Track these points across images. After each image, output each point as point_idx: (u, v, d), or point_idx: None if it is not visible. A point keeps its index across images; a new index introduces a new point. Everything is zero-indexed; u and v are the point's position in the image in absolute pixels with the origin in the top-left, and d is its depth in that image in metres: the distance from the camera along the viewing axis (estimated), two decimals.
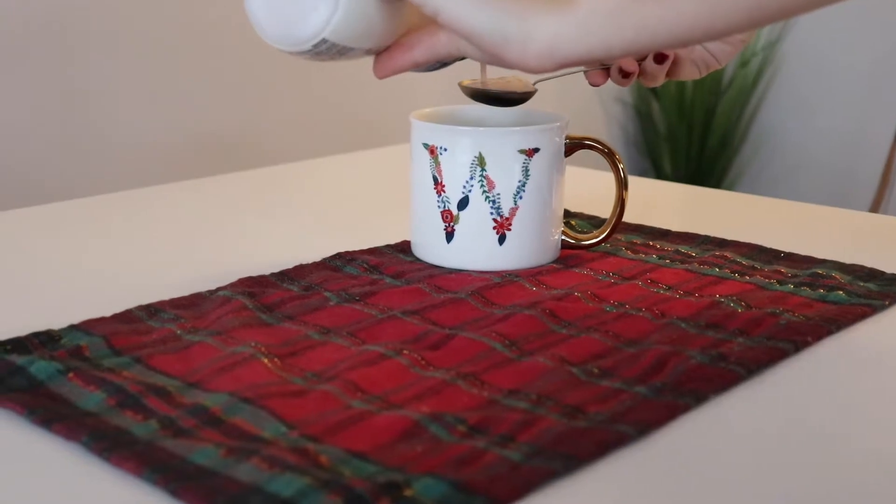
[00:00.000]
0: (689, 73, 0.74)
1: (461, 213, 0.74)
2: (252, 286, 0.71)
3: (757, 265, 0.77)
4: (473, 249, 0.75)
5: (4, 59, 1.65)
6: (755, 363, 0.59)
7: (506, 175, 0.74)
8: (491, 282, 0.72)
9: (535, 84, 0.76)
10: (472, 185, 0.74)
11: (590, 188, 0.97)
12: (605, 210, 0.85)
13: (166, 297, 0.70)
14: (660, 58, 0.72)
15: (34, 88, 1.69)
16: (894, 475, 0.48)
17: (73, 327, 0.63)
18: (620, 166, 0.77)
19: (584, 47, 0.57)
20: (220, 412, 0.52)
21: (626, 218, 0.88)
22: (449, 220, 0.75)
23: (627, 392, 0.55)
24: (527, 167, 0.74)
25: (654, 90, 2.74)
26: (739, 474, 0.48)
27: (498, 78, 0.75)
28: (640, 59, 0.73)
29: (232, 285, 0.71)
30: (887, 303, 0.69)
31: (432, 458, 0.48)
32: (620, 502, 0.46)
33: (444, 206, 0.75)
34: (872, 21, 2.59)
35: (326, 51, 0.62)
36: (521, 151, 0.73)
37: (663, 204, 0.97)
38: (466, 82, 0.76)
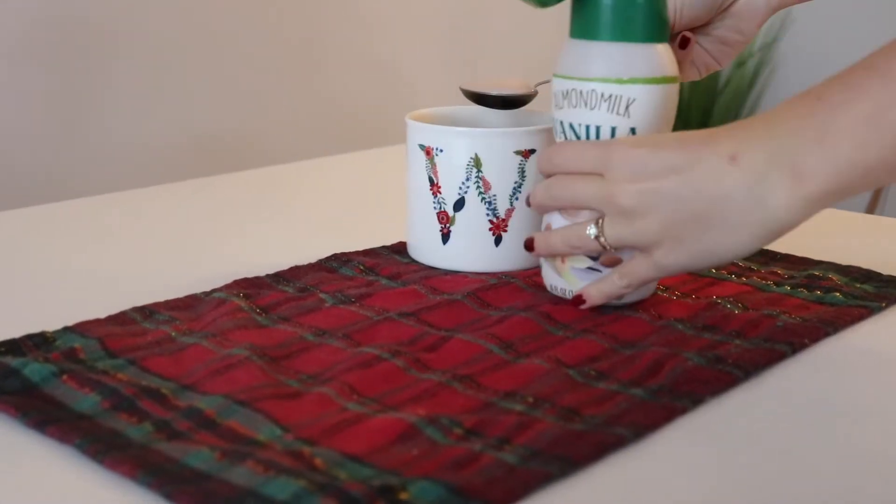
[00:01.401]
0: (688, 76, 0.74)
1: (457, 214, 0.74)
2: (247, 287, 0.71)
3: (754, 266, 0.77)
4: (469, 251, 0.75)
5: (3, 60, 1.64)
6: (752, 365, 0.59)
7: (502, 176, 0.73)
8: (487, 283, 0.72)
9: (535, 87, 0.76)
10: (468, 187, 0.73)
11: None
12: None
13: (161, 298, 0.70)
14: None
15: (32, 88, 1.68)
16: (893, 476, 0.48)
17: (67, 329, 0.63)
18: None
19: (809, 215, 0.58)
20: (214, 415, 0.52)
21: None
22: (445, 221, 0.75)
23: (624, 394, 0.55)
24: (523, 168, 0.74)
25: None
26: (736, 477, 0.48)
27: (496, 79, 0.75)
28: None
29: (227, 287, 0.71)
30: (884, 304, 0.69)
31: (428, 460, 0.48)
32: None
33: (440, 208, 0.75)
34: (869, 22, 2.59)
35: None
36: (517, 152, 0.73)
37: None
38: (467, 85, 0.75)
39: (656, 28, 0.66)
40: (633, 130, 0.65)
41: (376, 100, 2.16)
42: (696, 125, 2.72)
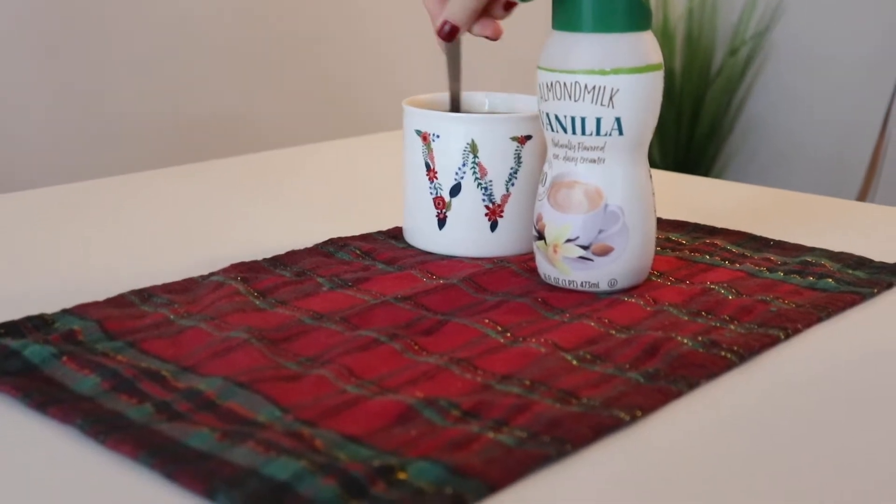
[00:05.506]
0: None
1: (453, 199, 0.75)
2: (245, 271, 0.71)
3: (747, 253, 0.77)
4: (465, 236, 0.75)
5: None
6: (747, 350, 0.59)
7: (498, 162, 0.74)
8: (483, 268, 0.72)
9: None
10: (464, 172, 0.74)
11: None
12: None
13: (159, 281, 0.70)
14: None
15: (27, 72, 1.68)
16: (884, 462, 0.49)
17: (65, 311, 0.63)
18: None
19: None
20: (214, 396, 0.53)
21: None
22: (441, 206, 0.75)
23: (620, 377, 0.56)
24: (519, 154, 0.74)
25: None
26: (731, 460, 0.49)
27: None
28: None
29: (224, 270, 0.71)
30: (875, 290, 0.70)
31: (426, 442, 0.48)
32: (613, 486, 0.46)
33: (437, 193, 0.75)
34: (862, 10, 2.59)
35: None
36: (514, 139, 0.74)
37: None
38: None
39: (637, 17, 0.66)
40: (618, 120, 0.66)
41: (372, 84, 2.16)
42: (688, 113, 2.72)
